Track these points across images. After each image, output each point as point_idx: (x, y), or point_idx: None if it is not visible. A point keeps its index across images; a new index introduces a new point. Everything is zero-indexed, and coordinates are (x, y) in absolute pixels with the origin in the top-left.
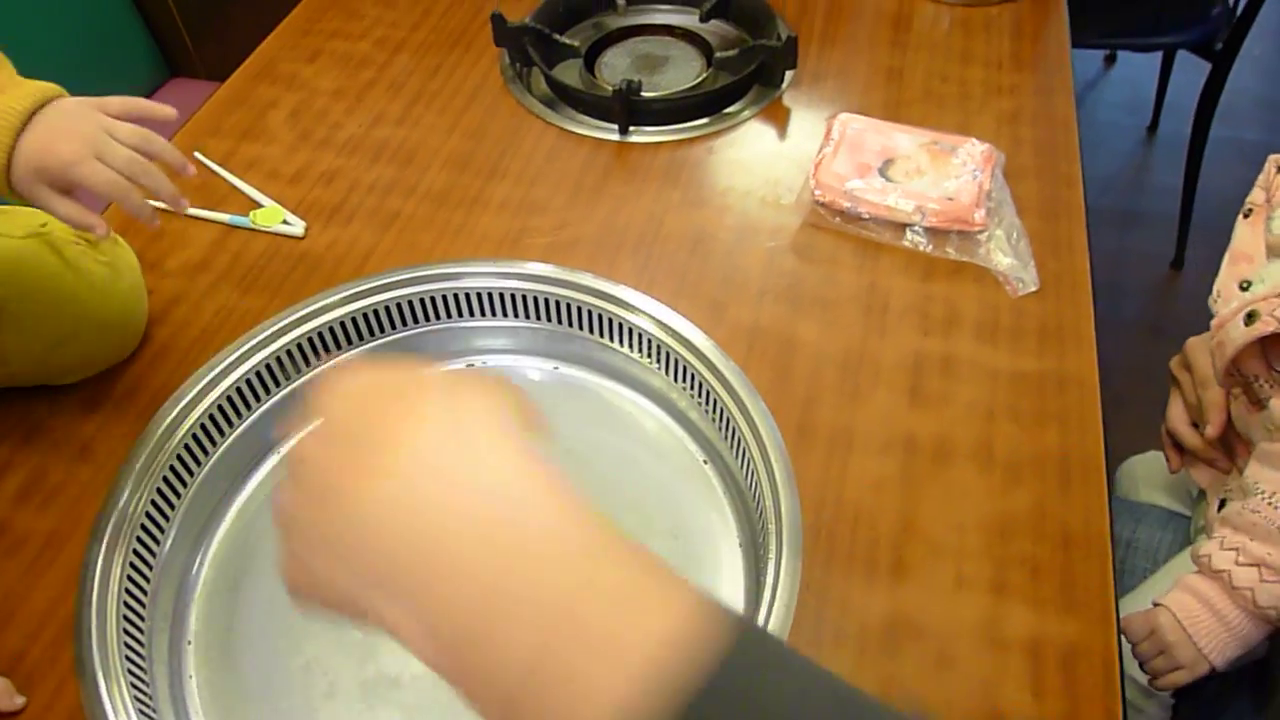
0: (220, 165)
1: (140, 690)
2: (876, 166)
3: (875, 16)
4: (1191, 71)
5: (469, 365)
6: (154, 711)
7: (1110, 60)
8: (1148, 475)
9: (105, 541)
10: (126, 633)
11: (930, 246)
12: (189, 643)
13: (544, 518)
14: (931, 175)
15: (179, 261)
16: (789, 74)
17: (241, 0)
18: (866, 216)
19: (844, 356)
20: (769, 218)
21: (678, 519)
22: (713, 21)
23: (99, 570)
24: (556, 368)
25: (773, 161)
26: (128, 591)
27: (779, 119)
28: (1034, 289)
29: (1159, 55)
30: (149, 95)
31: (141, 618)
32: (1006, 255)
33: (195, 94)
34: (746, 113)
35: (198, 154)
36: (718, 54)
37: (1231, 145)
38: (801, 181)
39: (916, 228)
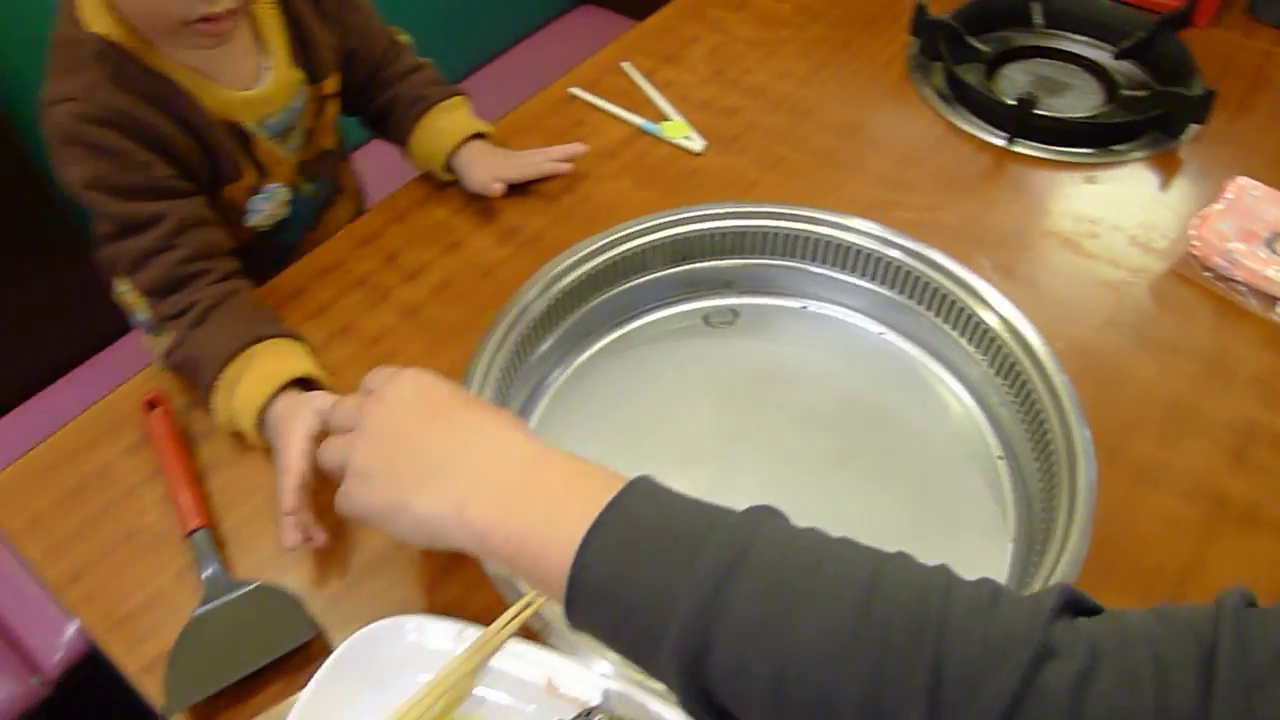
0: (643, 78)
1: None
2: (1264, 236)
3: None
4: None
5: (804, 307)
6: None
7: None
8: None
9: (494, 340)
10: None
11: None
12: None
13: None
14: None
15: (593, 147)
16: (1194, 128)
17: None
18: (1239, 280)
19: (1174, 400)
20: (1134, 255)
21: (956, 500)
22: (1124, 61)
23: (485, 359)
24: (882, 333)
25: (1151, 205)
26: (496, 384)
27: (1169, 168)
28: None
29: None
30: (555, 19)
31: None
32: None
33: (599, 23)
34: (1136, 154)
35: (625, 63)
36: (1124, 92)
37: None
38: (1177, 230)
39: None
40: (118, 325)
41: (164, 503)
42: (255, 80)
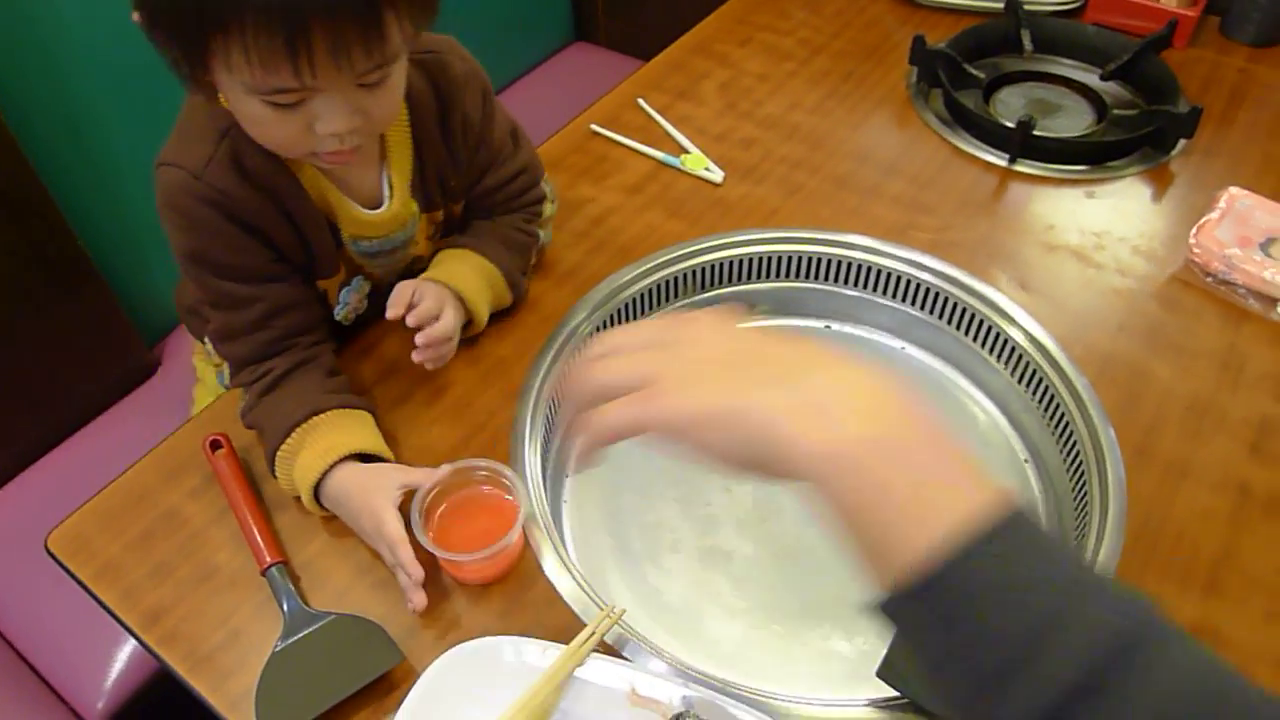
0: (659, 114)
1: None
2: (1259, 241)
3: None
4: None
5: (826, 326)
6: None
7: None
8: None
9: (545, 366)
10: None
11: None
12: (567, 475)
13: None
14: None
15: (618, 182)
16: (1182, 143)
17: None
18: (1239, 284)
19: (1192, 399)
20: (1139, 264)
21: None
22: (1110, 82)
23: (537, 382)
24: (903, 347)
25: (1150, 216)
26: (545, 412)
27: (1162, 181)
28: None
29: None
30: (552, 55)
31: (549, 444)
32: None
33: (594, 59)
34: (1131, 170)
35: (640, 100)
36: (1114, 111)
37: None
38: (1177, 239)
39: None
40: (146, 368)
41: (235, 541)
42: (378, 198)
